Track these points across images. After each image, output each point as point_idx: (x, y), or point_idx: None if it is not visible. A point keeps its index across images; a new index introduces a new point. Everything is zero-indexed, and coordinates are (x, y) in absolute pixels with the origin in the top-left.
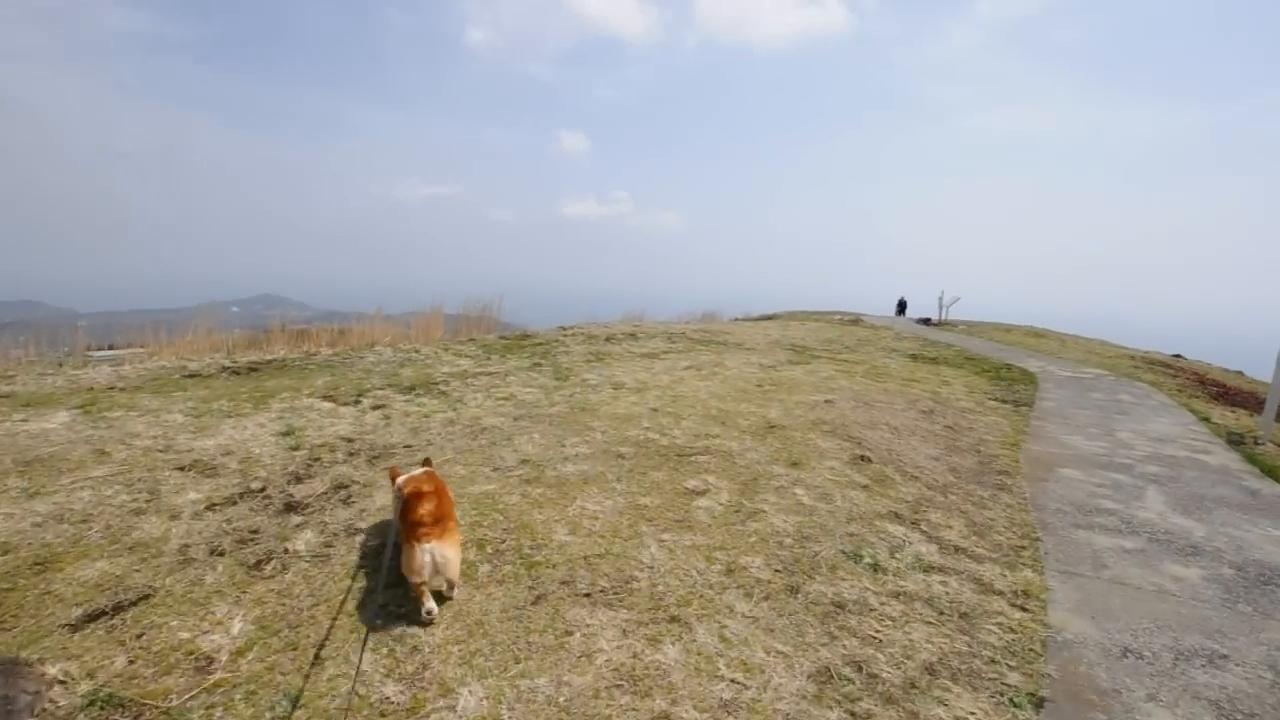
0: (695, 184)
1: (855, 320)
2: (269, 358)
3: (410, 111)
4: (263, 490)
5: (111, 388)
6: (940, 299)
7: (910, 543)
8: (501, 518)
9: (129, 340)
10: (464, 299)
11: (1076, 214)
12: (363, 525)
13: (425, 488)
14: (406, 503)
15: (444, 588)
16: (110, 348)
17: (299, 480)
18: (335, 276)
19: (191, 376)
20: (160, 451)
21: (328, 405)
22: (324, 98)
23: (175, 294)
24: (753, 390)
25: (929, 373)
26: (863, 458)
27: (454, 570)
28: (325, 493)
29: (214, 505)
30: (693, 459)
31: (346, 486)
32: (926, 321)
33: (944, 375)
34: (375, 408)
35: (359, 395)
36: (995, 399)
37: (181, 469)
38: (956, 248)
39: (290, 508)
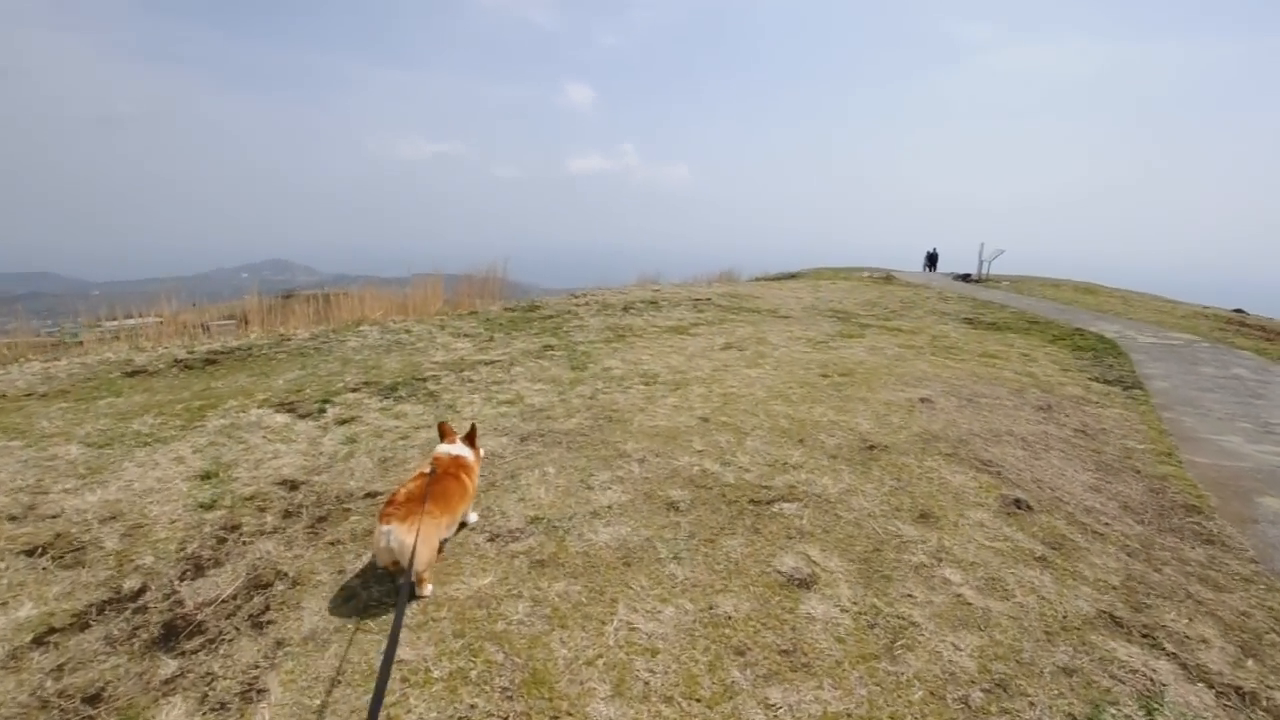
0: (704, 135)
1: (887, 278)
2: (234, 345)
3: (411, 68)
4: (138, 595)
5: (29, 394)
6: (980, 252)
7: (1164, 683)
8: (498, 659)
9: (140, 310)
10: (468, 262)
11: (1092, 154)
12: (272, 681)
13: (443, 469)
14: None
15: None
16: (128, 317)
17: (199, 571)
18: (342, 241)
19: (134, 374)
20: (11, 519)
21: (281, 419)
22: (324, 57)
23: (186, 261)
24: (819, 382)
25: (999, 343)
26: (1016, 502)
27: (408, 557)
28: (231, 598)
29: (49, 633)
30: (776, 510)
31: (266, 586)
32: (966, 278)
33: (1017, 346)
34: (341, 422)
35: (325, 401)
36: (1095, 379)
37: (30, 552)
38: (970, 198)
39: (167, 636)
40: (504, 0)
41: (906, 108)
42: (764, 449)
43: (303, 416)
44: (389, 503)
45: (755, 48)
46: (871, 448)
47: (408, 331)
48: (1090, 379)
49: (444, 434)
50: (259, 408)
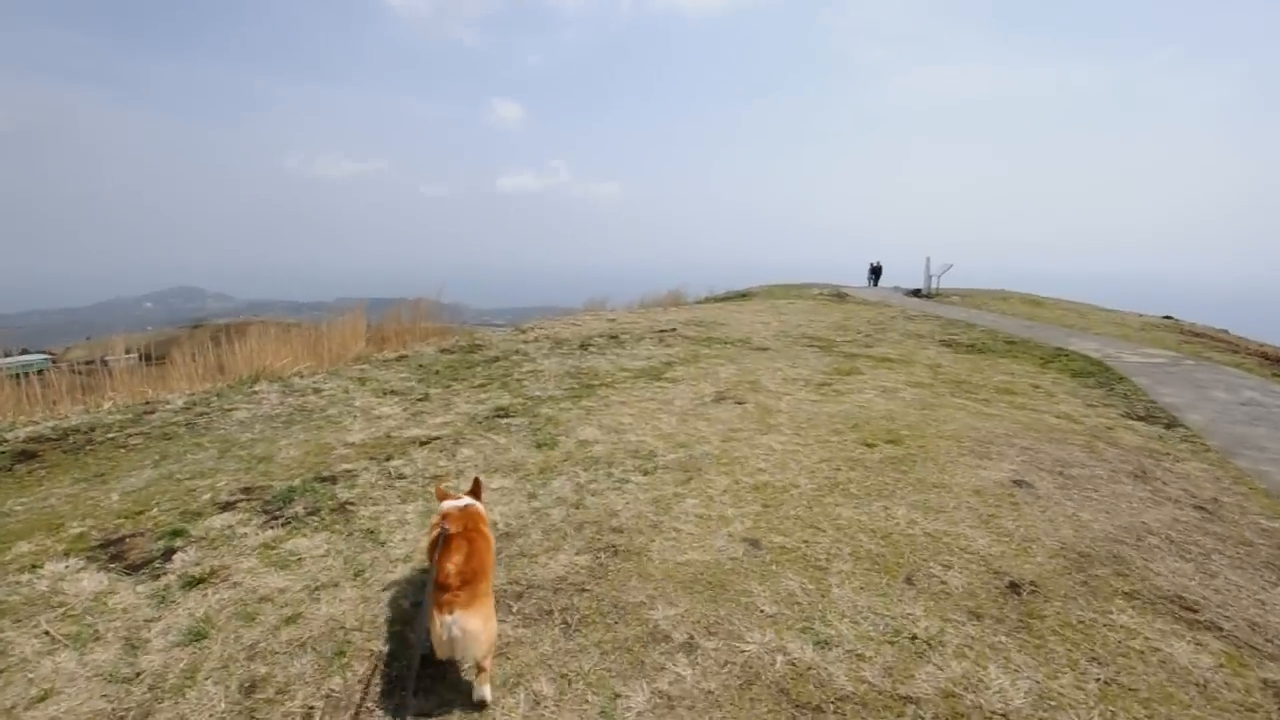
0: (635, 152)
1: (839, 295)
2: (70, 424)
3: (328, 84)
4: None
5: None
6: (927, 267)
7: None
8: None
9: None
10: (394, 283)
11: (987, 168)
12: None
13: (459, 527)
14: (441, 547)
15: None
16: (24, 352)
17: None
18: (260, 264)
19: None
20: None
21: (93, 583)
22: (230, 71)
23: (84, 291)
24: (866, 456)
25: (996, 370)
26: None
27: (480, 649)
28: None
29: None
30: None
31: None
32: (917, 293)
33: (1017, 375)
34: (192, 583)
35: (176, 533)
36: (1128, 415)
37: None
38: (887, 213)
39: None
40: (426, 18)
41: (822, 124)
42: (864, 602)
43: (132, 570)
44: (441, 586)
45: (678, 69)
46: (1014, 587)
47: (317, 390)
48: (1122, 415)
49: (443, 497)
50: (66, 557)
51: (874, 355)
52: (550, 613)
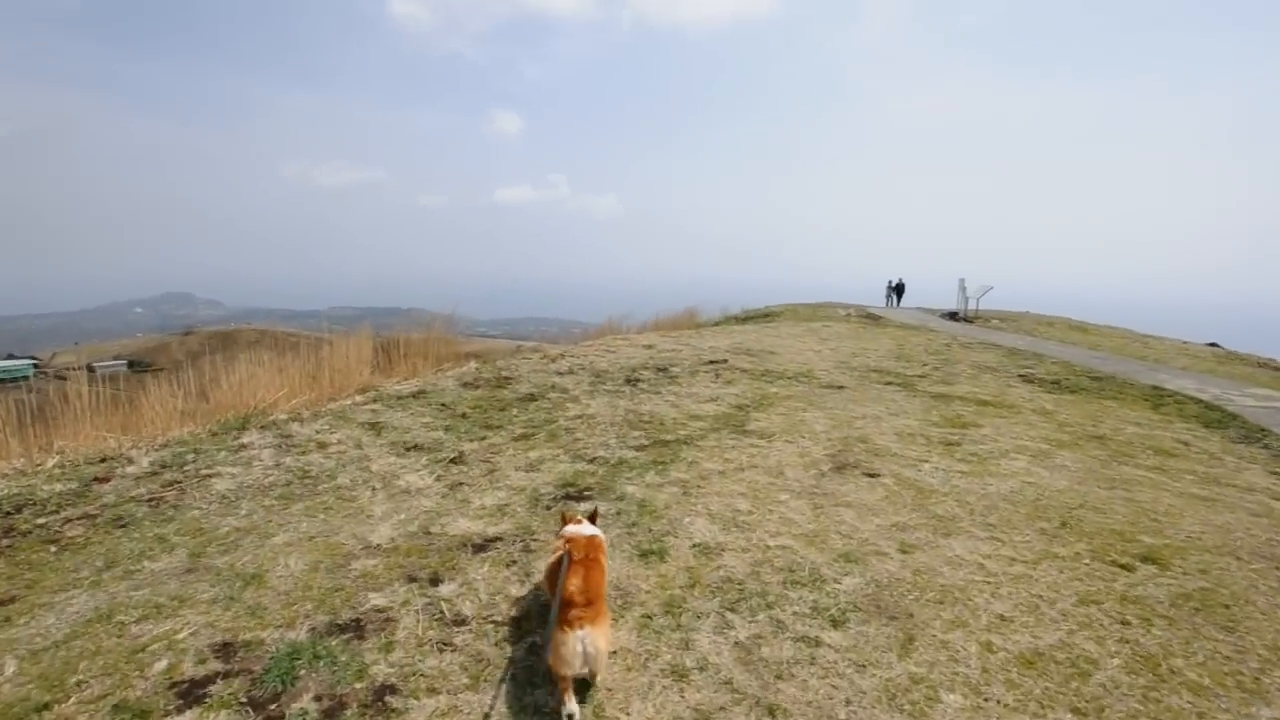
0: (634, 167)
1: (871, 317)
2: None
3: (329, 92)
4: None
5: None
6: (962, 287)
7: None
8: None
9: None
10: (392, 297)
11: (985, 189)
12: None
13: (581, 554)
14: (566, 570)
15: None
16: (10, 356)
17: None
18: (255, 272)
19: None
20: None
21: None
22: (234, 78)
23: (75, 295)
24: (1126, 585)
25: (1108, 415)
26: None
27: (602, 664)
28: None
29: None
30: None
31: None
32: (953, 315)
33: (1140, 424)
34: None
35: None
36: None
37: None
38: (894, 230)
39: None
40: (426, 30)
41: (821, 143)
42: None
43: None
44: (568, 604)
45: (678, 86)
46: None
47: (321, 445)
48: None
49: (567, 521)
50: None
51: (964, 395)
52: None
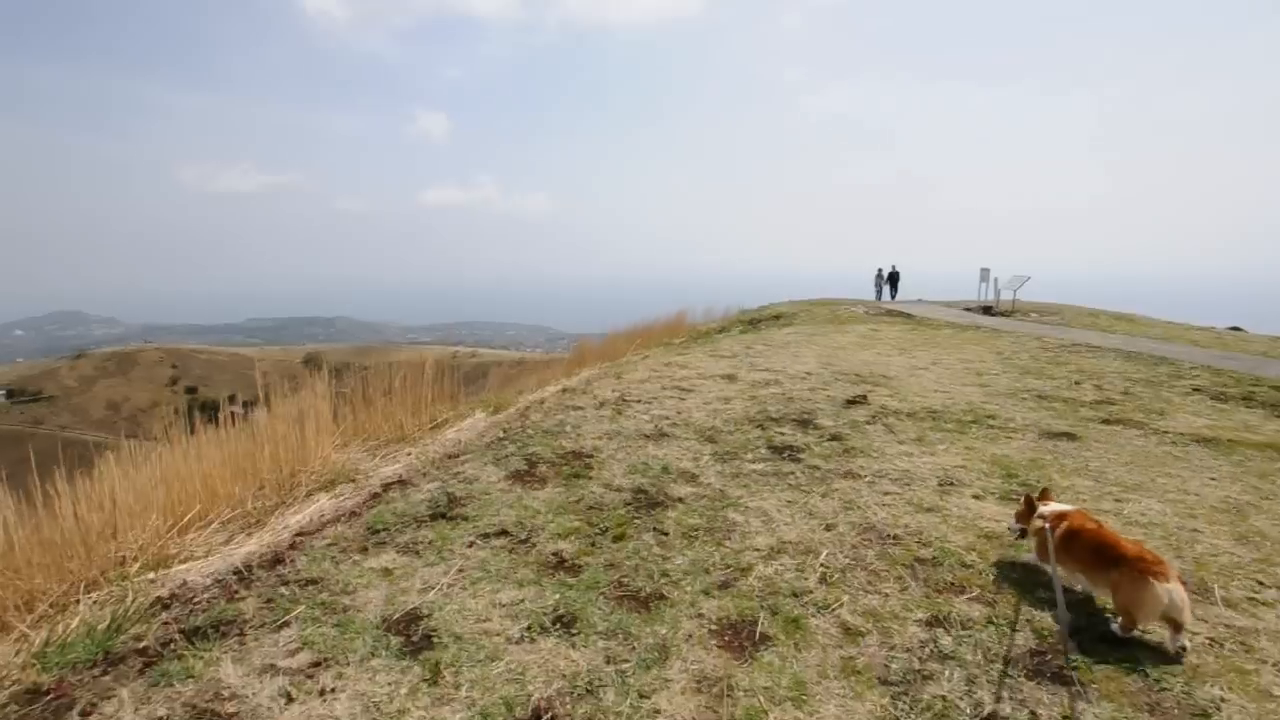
0: (563, 165)
1: (901, 315)
2: None
3: (232, 92)
4: None
5: None
6: (991, 278)
7: None
8: None
9: None
10: (313, 305)
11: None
12: None
13: (1088, 520)
14: (1098, 537)
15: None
16: None
17: None
18: (155, 286)
19: None
20: None
21: None
22: (124, 81)
23: None
24: None
25: None
26: None
27: (1186, 613)
28: None
29: None
30: None
31: None
32: (988, 310)
33: None
34: None
35: None
36: None
37: None
38: (813, 222)
39: None
40: (340, 28)
41: (747, 138)
42: None
43: None
44: (1147, 559)
45: (606, 83)
46: None
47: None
48: None
49: (1031, 503)
50: None
51: (1197, 435)
52: None
